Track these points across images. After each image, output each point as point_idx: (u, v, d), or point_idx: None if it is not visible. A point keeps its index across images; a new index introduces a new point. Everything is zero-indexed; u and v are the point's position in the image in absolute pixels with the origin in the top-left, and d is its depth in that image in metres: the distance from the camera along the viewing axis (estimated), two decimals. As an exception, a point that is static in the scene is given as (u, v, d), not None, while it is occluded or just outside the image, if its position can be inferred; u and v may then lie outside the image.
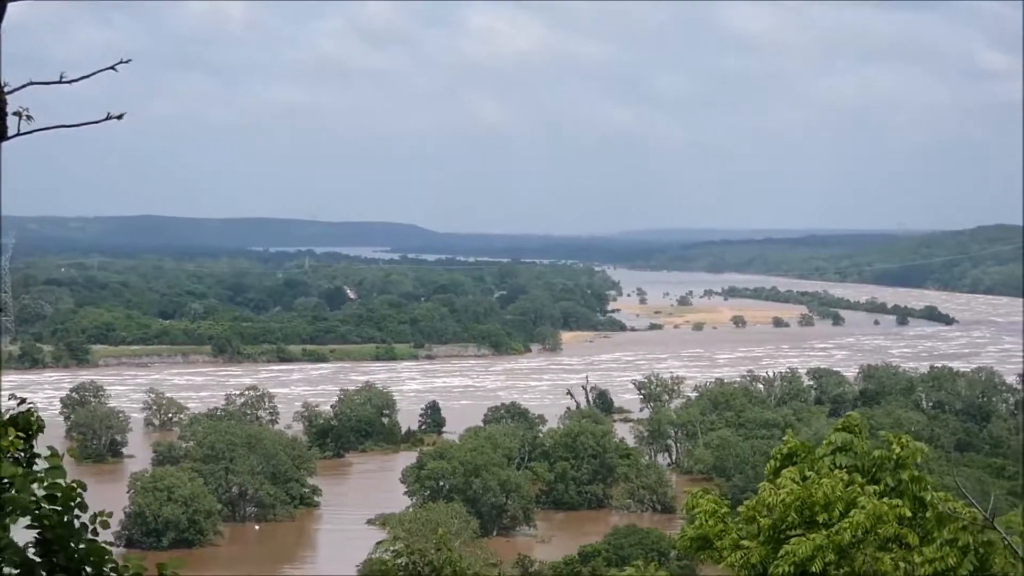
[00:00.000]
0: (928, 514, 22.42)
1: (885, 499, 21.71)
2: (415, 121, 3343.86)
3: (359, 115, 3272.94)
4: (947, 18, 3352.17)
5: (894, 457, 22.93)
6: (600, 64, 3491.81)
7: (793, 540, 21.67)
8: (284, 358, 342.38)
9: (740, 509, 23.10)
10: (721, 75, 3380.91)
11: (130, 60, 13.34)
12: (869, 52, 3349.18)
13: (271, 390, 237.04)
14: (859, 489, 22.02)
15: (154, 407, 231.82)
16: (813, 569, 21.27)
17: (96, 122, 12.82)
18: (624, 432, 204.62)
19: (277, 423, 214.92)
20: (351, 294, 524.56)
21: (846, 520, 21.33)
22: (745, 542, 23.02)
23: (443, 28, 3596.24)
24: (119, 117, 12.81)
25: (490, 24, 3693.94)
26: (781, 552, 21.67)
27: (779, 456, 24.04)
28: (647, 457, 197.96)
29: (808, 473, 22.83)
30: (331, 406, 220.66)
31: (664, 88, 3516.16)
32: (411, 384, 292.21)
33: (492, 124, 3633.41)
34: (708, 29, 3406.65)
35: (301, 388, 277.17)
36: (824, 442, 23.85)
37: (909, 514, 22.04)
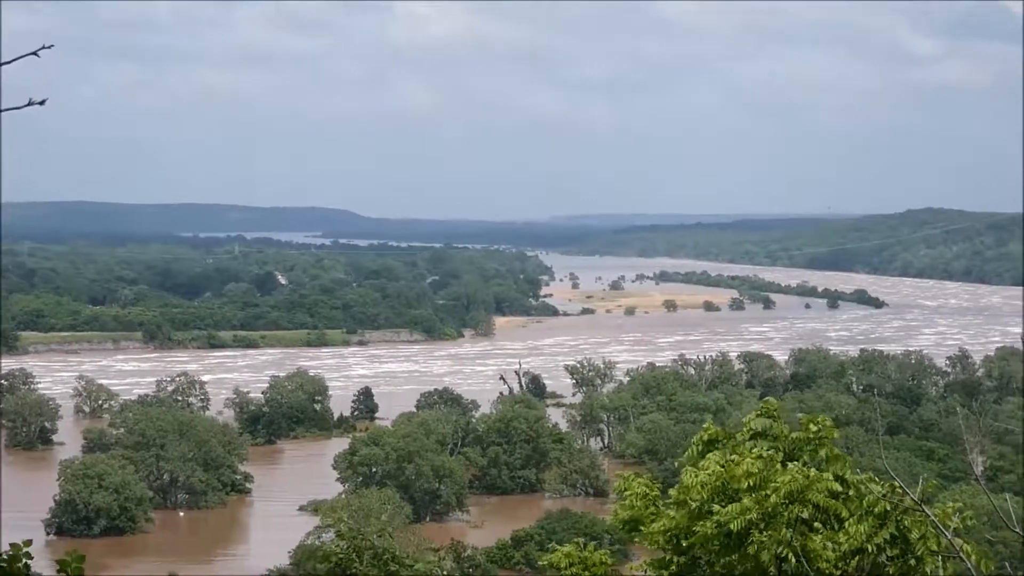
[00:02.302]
0: (851, 492, 22.58)
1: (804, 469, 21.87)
2: (345, 106, 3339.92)
3: (289, 100, 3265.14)
4: (871, 3, 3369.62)
5: (811, 436, 23.11)
6: (525, 48, 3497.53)
7: (716, 509, 21.81)
8: (215, 344, 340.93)
9: (671, 492, 23.19)
10: (647, 59, 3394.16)
11: (52, 46, 13.23)
12: (795, 36, 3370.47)
13: (202, 376, 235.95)
14: (778, 466, 22.15)
15: (84, 394, 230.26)
16: (733, 527, 21.35)
17: (18, 108, 12.71)
18: (557, 417, 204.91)
19: (208, 410, 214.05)
20: (282, 280, 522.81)
21: (773, 484, 21.44)
22: (670, 512, 23.15)
23: (369, 14, 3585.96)
24: (41, 103, 12.71)
25: (415, 9, 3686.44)
26: (715, 512, 21.78)
27: (700, 443, 24.17)
28: (580, 442, 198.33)
29: (730, 458, 22.95)
30: (262, 392, 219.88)
31: (590, 72, 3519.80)
32: (344, 370, 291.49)
33: (422, 109, 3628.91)
34: (632, 13, 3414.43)
35: (232, 374, 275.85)
36: (744, 428, 23.99)
37: (838, 487, 22.21)
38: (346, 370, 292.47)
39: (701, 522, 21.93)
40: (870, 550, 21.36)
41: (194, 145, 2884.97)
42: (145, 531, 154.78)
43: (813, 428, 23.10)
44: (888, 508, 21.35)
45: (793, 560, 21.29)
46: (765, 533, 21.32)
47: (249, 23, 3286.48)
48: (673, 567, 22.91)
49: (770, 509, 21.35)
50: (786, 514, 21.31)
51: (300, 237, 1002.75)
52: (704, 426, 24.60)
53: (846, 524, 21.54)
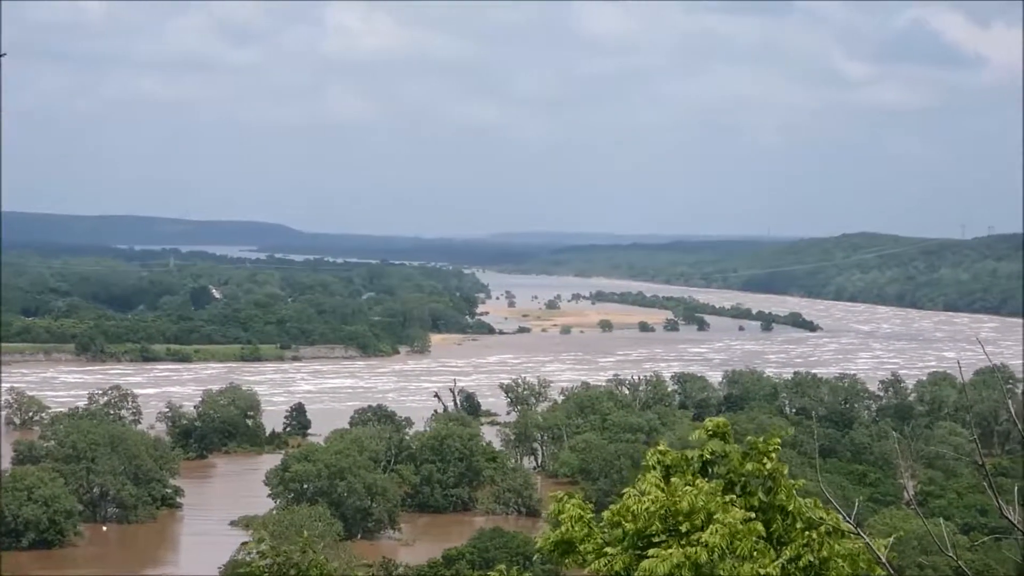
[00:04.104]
0: (798, 525, 22.42)
1: (741, 512, 21.69)
2: (280, 118, 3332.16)
3: (223, 111, 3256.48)
4: (804, 25, 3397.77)
5: (765, 472, 22.90)
6: (459, 63, 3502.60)
7: (651, 553, 21.59)
8: (148, 357, 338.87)
9: (605, 514, 23.01)
10: (580, 76, 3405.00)
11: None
12: (729, 56, 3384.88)
13: (134, 390, 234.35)
14: (720, 501, 21.98)
15: (15, 406, 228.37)
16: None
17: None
18: (491, 435, 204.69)
19: (140, 423, 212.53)
20: (216, 294, 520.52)
21: (704, 536, 21.29)
22: (609, 549, 22.93)
23: (301, 25, 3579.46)
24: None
25: (348, 22, 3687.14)
26: (640, 568, 21.59)
27: (656, 467, 23.87)
28: (513, 460, 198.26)
29: (675, 480, 22.73)
30: (194, 407, 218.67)
31: (525, 88, 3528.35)
32: (279, 385, 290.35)
33: (358, 123, 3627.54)
34: (565, 30, 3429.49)
35: (164, 388, 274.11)
36: (698, 453, 23.70)
37: (765, 530, 22.13)
38: (281, 385, 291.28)
39: (639, 571, 21.72)
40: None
41: (128, 156, 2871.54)
42: (74, 544, 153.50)
43: (768, 465, 22.76)
44: (812, 559, 21.32)
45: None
46: None
47: (181, 31, 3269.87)
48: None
49: (703, 560, 21.22)
50: (720, 571, 21.20)
51: (235, 251, 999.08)
52: (659, 448, 24.30)
53: (768, 567, 21.47)
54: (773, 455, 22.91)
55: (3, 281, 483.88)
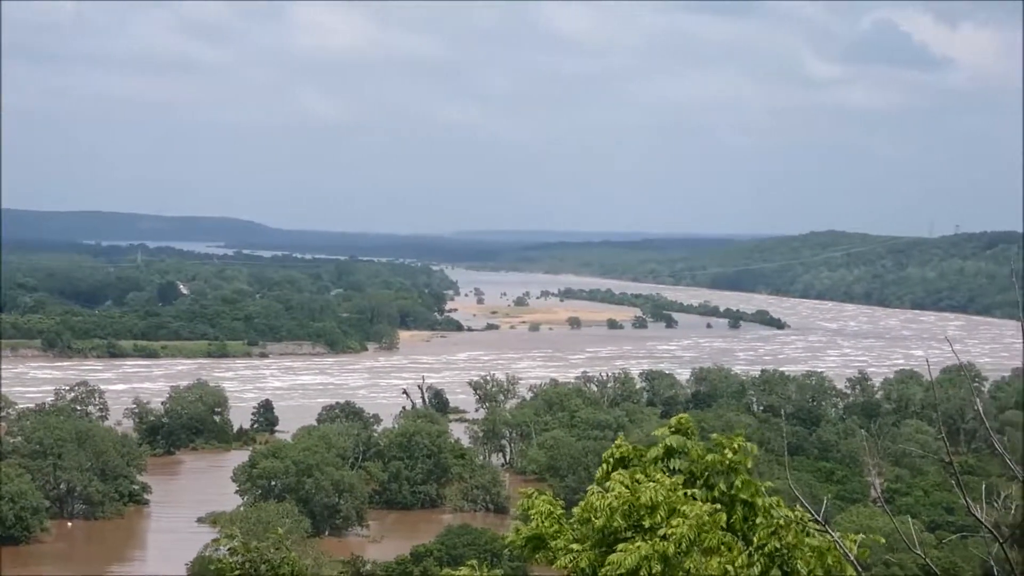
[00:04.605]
0: (759, 519, 22.56)
1: (707, 505, 21.78)
2: (249, 115, 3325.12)
3: (194, 108, 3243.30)
4: (774, 26, 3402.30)
5: (726, 462, 23.01)
6: (431, 62, 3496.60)
7: (620, 547, 21.67)
8: (115, 353, 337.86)
9: (575, 511, 23.07)
10: (551, 77, 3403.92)
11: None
12: (699, 57, 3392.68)
13: (105, 386, 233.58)
14: (683, 495, 22.07)
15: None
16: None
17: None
18: (459, 432, 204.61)
19: (107, 419, 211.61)
20: (184, 290, 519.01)
21: (670, 528, 21.37)
22: (575, 545, 22.99)
23: (269, 23, 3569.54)
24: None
25: (319, 19, 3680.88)
26: (607, 562, 21.67)
27: (611, 460, 24.02)
28: (481, 457, 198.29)
29: (638, 476, 22.82)
30: (162, 403, 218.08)
31: (495, 86, 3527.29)
32: (247, 382, 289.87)
33: (327, 120, 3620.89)
34: (536, 30, 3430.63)
35: (134, 384, 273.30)
36: (658, 445, 23.84)
37: (726, 520, 22.25)
38: (251, 382, 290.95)
39: (603, 571, 21.80)
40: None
41: (98, 152, 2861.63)
42: (41, 541, 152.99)
43: (729, 455, 22.95)
44: (778, 545, 21.43)
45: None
46: None
47: (150, 29, 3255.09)
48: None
49: (670, 552, 21.29)
50: (686, 563, 21.28)
51: (203, 247, 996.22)
52: (615, 443, 24.46)
53: (736, 560, 21.57)
54: (736, 446, 23.06)
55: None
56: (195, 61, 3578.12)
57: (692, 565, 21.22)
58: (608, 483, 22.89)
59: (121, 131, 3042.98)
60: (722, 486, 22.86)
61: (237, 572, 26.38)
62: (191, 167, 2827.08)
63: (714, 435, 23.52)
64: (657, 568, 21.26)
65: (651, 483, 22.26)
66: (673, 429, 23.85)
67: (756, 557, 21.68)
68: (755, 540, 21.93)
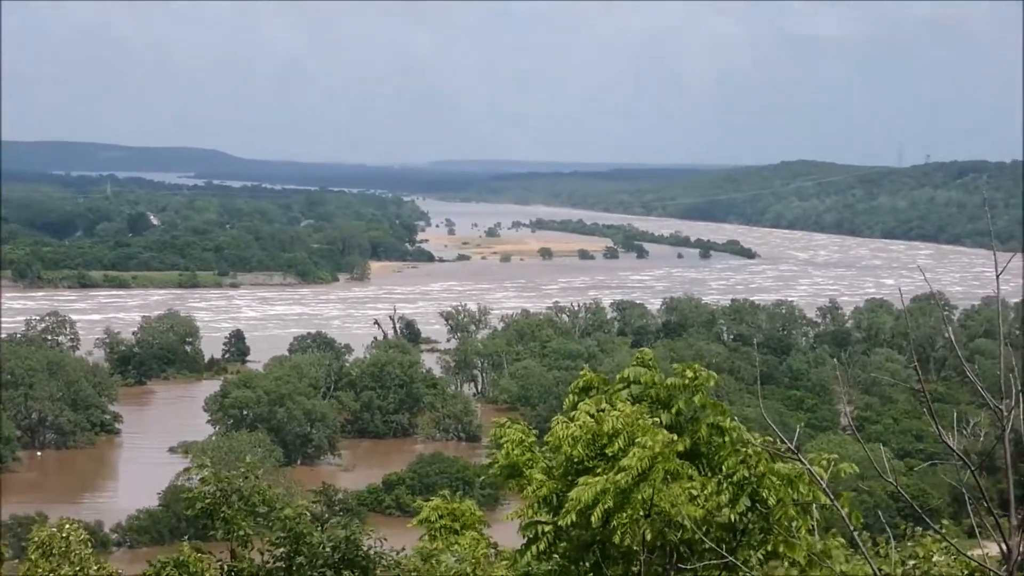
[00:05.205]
0: (725, 439, 22.71)
1: (665, 433, 21.87)
2: (214, 44, 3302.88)
3: (159, 37, 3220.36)
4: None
5: (686, 383, 23.17)
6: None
7: (581, 481, 21.78)
8: (85, 284, 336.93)
9: (547, 438, 23.15)
10: (518, 7, 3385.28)
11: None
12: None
13: (79, 316, 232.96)
14: (642, 423, 22.13)
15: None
16: (593, 519, 21.42)
17: None
18: (431, 362, 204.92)
19: (78, 349, 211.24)
20: (154, 221, 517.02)
21: (626, 460, 21.46)
22: (539, 476, 23.12)
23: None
24: None
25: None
26: (568, 497, 21.81)
27: (576, 390, 24.13)
28: (453, 387, 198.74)
29: (604, 406, 22.93)
30: (133, 333, 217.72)
31: (464, 17, 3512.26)
32: (221, 312, 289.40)
33: (292, 50, 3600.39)
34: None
35: (109, 315, 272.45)
36: (618, 377, 24.01)
37: (689, 443, 22.42)
38: (226, 312, 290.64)
39: (564, 508, 21.91)
40: (732, 519, 21.56)
41: (63, 80, 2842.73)
42: (12, 470, 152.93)
43: (689, 375, 23.14)
44: (747, 474, 21.54)
45: (656, 530, 21.39)
46: (624, 515, 21.36)
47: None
48: (547, 536, 22.89)
49: (625, 486, 21.38)
50: (639, 495, 21.35)
51: (173, 177, 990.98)
52: (581, 373, 24.54)
53: (705, 489, 21.69)
54: (696, 368, 23.22)
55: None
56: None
57: (650, 494, 21.31)
58: (574, 413, 23.00)
59: (82, 61, 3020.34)
60: (681, 404, 23.02)
61: (208, 501, 26.32)
62: (152, 96, 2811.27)
63: (676, 364, 23.68)
64: (609, 504, 21.38)
65: (614, 412, 22.37)
66: (634, 362, 24.07)
67: (725, 485, 21.80)
68: (724, 467, 22.05)
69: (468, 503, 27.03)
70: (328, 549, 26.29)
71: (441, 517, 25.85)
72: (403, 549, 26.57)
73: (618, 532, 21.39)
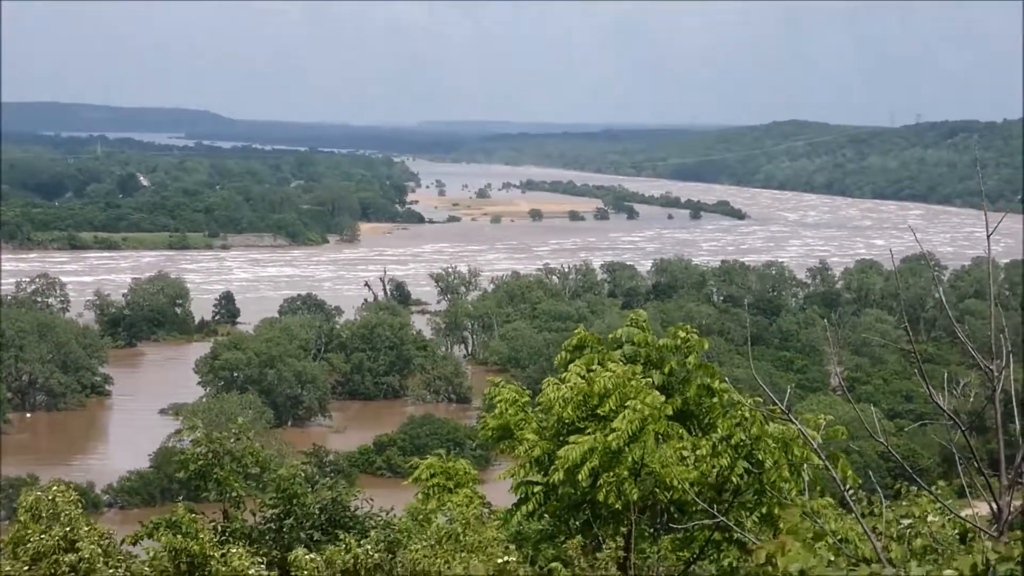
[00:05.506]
0: (715, 400, 22.81)
1: (656, 394, 21.92)
2: (203, 5, 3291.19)
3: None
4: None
5: (678, 344, 23.25)
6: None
7: (571, 440, 21.85)
8: (76, 245, 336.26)
9: (538, 400, 23.22)
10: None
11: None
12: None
13: (70, 278, 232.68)
14: (634, 383, 22.17)
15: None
16: (581, 478, 21.52)
17: None
18: (421, 324, 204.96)
19: (68, 312, 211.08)
20: (144, 182, 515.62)
21: (616, 422, 21.52)
22: (531, 436, 23.19)
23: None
24: None
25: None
26: (557, 455, 21.90)
27: (569, 347, 24.20)
28: (443, 349, 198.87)
29: (595, 366, 23.00)
30: (123, 295, 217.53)
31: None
32: (213, 274, 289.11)
33: (282, 9, 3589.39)
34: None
35: (101, 276, 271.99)
36: (610, 336, 24.09)
37: (681, 402, 22.52)
38: (217, 274, 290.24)
39: (553, 466, 21.98)
40: (733, 481, 21.64)
41: (53, 43, 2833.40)
42: (3, 432, 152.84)
43: (681, 335, 23.22)
44: (743, 438, 21.59)
45: (645, 490, 21.48)
46: (611, 475, 21.45)
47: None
48: (537, 497, 22.97)
49: (614, 447, 21.46)
50: (629, 456, 21.43)
51: (163, 138, 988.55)
52: (575, 331, 24.60)
53: (698, 450, 21.78)
54: (687, 329, 23.32)
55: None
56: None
57: (640, 455, 21.39)
58: (565, 374, 23.08)
59: (71, 21, 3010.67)
60: (673, 363, 23.13)
61: (200, 462, 26.36)
62: (140, 56, 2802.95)
63: (669, 327, 23.80)
64: (596, 462, 21.47)
65: (605, 373, 22.43)
66: (627, 323, 24.15)
67: (721, 448, 21.86)
68: (719, 430, 22.12)
69: (462, 462, 27.13)
70: (316, 510, 26.35)
71: (434, 475, 25.92)
72: (391, 509, 26.64)
73: (603, 490, 21.48)
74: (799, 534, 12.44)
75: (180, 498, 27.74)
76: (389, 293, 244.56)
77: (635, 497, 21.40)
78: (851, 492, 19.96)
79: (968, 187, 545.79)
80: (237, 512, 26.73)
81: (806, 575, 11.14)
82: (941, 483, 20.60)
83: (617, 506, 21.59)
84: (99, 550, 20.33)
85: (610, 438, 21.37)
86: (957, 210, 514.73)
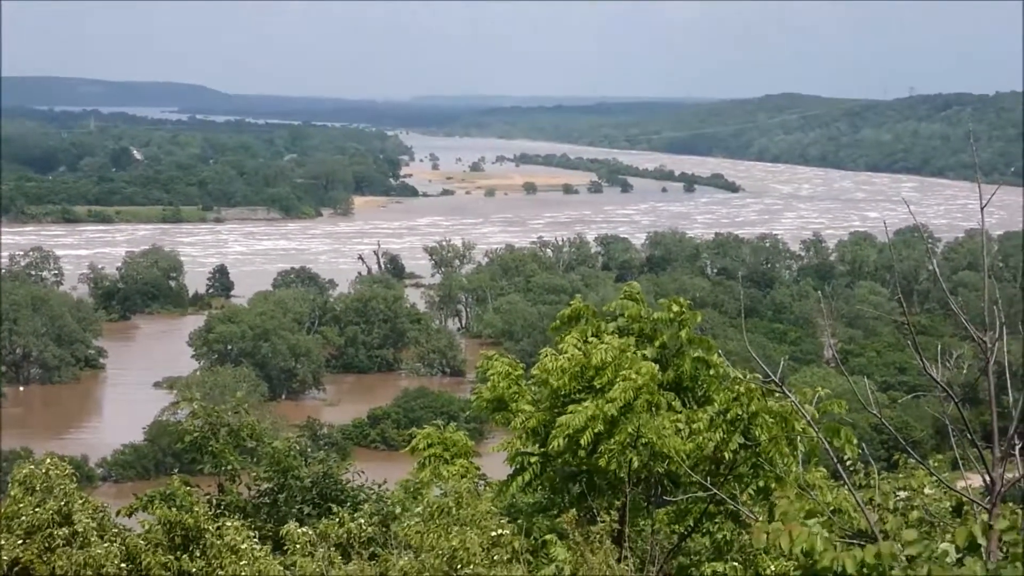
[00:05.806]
0: (711, 372, 22.84)
1: (649, 364, 21.98)
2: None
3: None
4: None
5: (672, 317, 23.29)
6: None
7: (570, 409, 21.90)
8: (69, 219, 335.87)
9: (533, 371, 23.23)
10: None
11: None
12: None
13: (65, 251, 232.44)
14: (629, 355, 22.21)
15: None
16: (583, 442, 21.57)
17: None
18: (415, 298, 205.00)
19: (62, 284, 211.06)
20: (138, 156, 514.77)
21: (611, 392, 21.57)
22: (527, 407, 23.23)
23: None
24: None
25: None
26: (557, 423, 21.93)
27: (564, 317, 24.22)
28: (437, 322, 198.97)
29: (590, 338, 23.04)
30: (117, 268, 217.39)
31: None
32: (205, 247, 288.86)
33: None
34: None
35: (97, 249, 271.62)
36: (604, 308, 24.11)
37: (675, 375, 22.57)
38: (213, 247, 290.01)
39: (553, 433, 22.01)
40: (728, 457, 21.69)
41: (45, 16, 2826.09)
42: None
43: (675, 308, 23.24)
44: (740, 413, 21.60)
45: (643, 459, 21.52)
46: (612, 442, 21.49)
47: None
48: (533, 468, 23.02)
49: (613, 414, 21.50)
50: (627, 425, 21.47)
51: (157, 112, 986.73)
52: (571, 301, 24.62)
53: (693, 423, 21.83)
54: (681, 302, 23.36)
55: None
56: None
57: (636, 425, 21.44)
58: (561, 345, 23.10)
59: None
60: (666, 338, 23.18)
61: (197, 435, 26.40)
62: (135, 31, 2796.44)
63: (662, 300, 23.81)
64: (600, 427, 21.54)
65: (602, 345, 22.46)
66: (622, 296, 24.18)
67: (718, 421, 21.89)
68: (716, 404, 22.17)
69: (459, 433, 27.18)
70: (308, 483, 26.41)
71: (431, 446, 25.93)
72: (384, 483, 26.66)
73: (605, 457, 21.53)
74: (790, 515, 12.44)
75: (175, 471, 27.79)
76: (383, 266, 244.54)
77: (636, 465, 21.48)
78: (849, 463, 20.00)
79: (961, 159, 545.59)
80: (232, 485, 26.78)
81: (811, 555, 11.19)
82: (938, 456, 20.65)
83: (621, 474, 21.64)
84: (93, 523, 20.33)
85: (606, 407, 21.42)
86: (950, 182, 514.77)
